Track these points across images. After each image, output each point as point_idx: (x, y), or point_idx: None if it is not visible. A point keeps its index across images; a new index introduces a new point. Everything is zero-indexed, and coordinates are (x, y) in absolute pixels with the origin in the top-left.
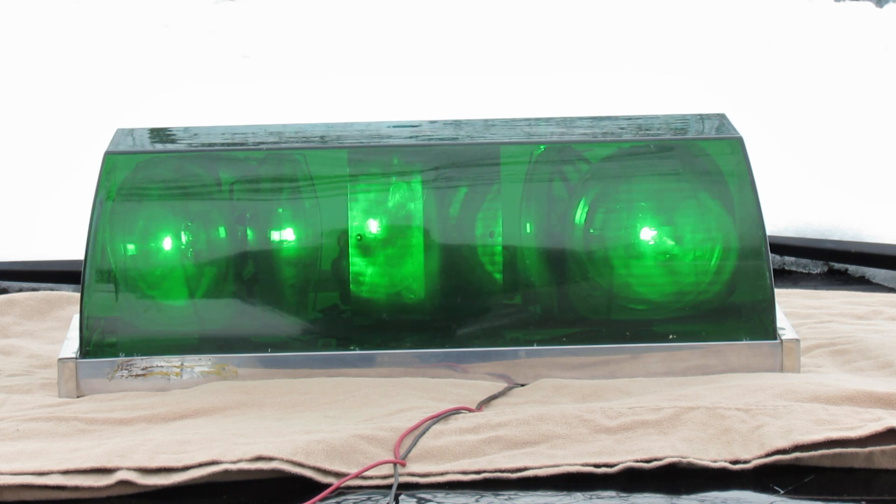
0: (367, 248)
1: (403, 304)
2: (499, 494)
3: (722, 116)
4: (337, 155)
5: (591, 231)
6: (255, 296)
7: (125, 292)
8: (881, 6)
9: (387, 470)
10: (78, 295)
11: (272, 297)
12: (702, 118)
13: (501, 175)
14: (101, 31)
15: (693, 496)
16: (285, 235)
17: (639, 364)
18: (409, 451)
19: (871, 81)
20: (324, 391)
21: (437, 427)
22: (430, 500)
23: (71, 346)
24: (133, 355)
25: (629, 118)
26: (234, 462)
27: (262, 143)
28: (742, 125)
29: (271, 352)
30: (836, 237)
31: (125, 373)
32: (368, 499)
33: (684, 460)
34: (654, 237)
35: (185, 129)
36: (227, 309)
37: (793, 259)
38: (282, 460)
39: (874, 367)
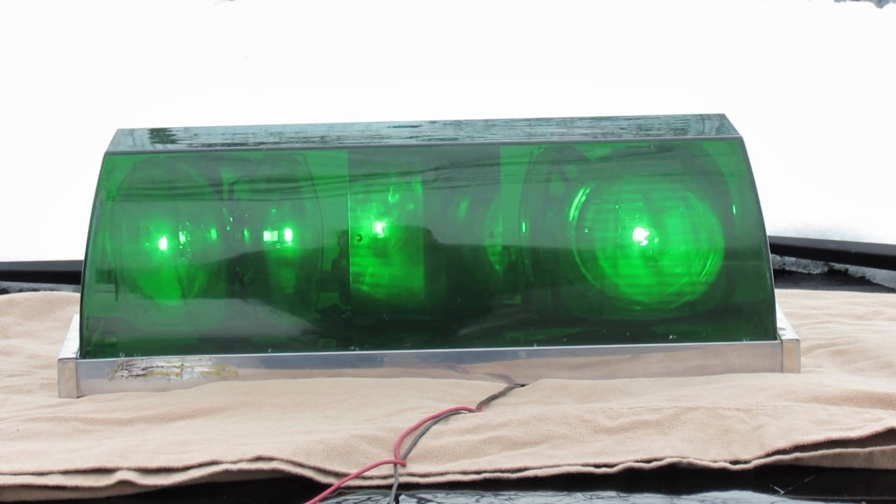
0: (367, 248)
1: (403, 305)
2: (499, 494)
3: (722, 117)
4: (337, 155)
5: (591, 231)
6: (255, 296)
7: (125, 292)
8: (881, 6)
9: (387, 470)
10: (78, 295)
11: (272, 298)
12: (702, 118)
13: (501, 175)
14: (101, 31)
15: (693, 496)
16: (285, 236)
17: (639, 364)
18: (410, 451)
19: (871, 81)
20: (324, 391)
21: (437, 427)
22: (430, 501)
23: (71, 346)
24: (133, 355)
25: (629, 118)
26: (234, 462)
27: (263, 143)
28: (742, 125)
29: (271, 352)
30: (836, 237)
31: (125, 373)
32: (369, 499)
33: (684, 460)
34: (653, 238)
35: (186, 130)
36: (227, 309)
37: (793, 259)
38: (282, 460)
39: (874, 367)
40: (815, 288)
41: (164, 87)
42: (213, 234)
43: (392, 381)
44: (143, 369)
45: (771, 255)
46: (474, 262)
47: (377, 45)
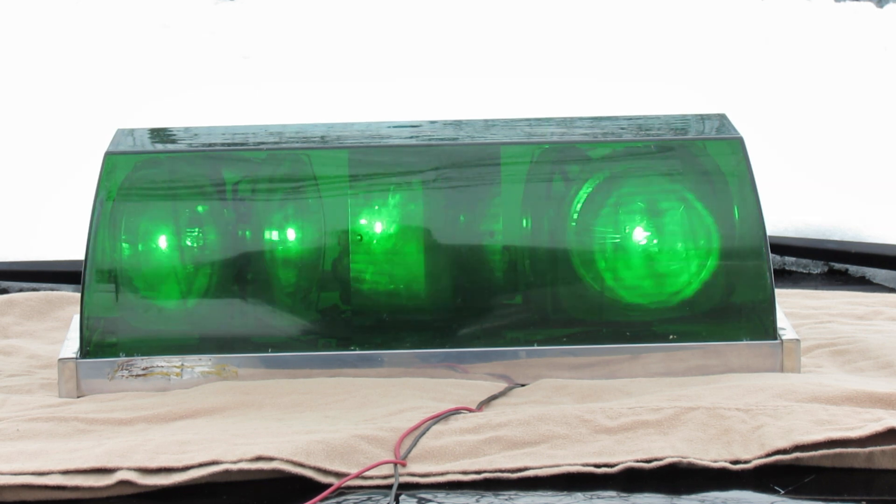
0: (367, 248)
1: (404, 304)
2: (499, 494)
3: (722, 117)
4: (338, 155)
5: (591, 231)
6: (255, 296)
7: (125, 292)
8: (881, 6)
9: (387, 470)
10: (78, 295)
11: (272, 297)
12: (702, 118)
13: (502, 175)
14: (101, 31)
15: (693, 496)
16: (286, 235)
17: (639, 364)
18: (410, 451)
19: (871, 81)
20: (324, 391)
21: (437, 427)
22: (430, 501)
23: (71, 346)
24: (133, 355)
25: (629, 118)
26: (234, 462)
27: (263, 143)
28: (742, 125)
29: (271, 352)
30: (836, 237)
31: (125, 373)
32: (369, 499)
33: (684, 460)
34: (653, 237)
35: (186, 130)
36: (227, 309)
37: (793, 259)
38: (282, 460)
39: (874, 367)
40: (815, 288)
41: (164, 87)
42: (214, 234)
43: (392, 381)
44: (143, 369)
45: (771, 255)
46: (474, 262)
47: (377, 45)
